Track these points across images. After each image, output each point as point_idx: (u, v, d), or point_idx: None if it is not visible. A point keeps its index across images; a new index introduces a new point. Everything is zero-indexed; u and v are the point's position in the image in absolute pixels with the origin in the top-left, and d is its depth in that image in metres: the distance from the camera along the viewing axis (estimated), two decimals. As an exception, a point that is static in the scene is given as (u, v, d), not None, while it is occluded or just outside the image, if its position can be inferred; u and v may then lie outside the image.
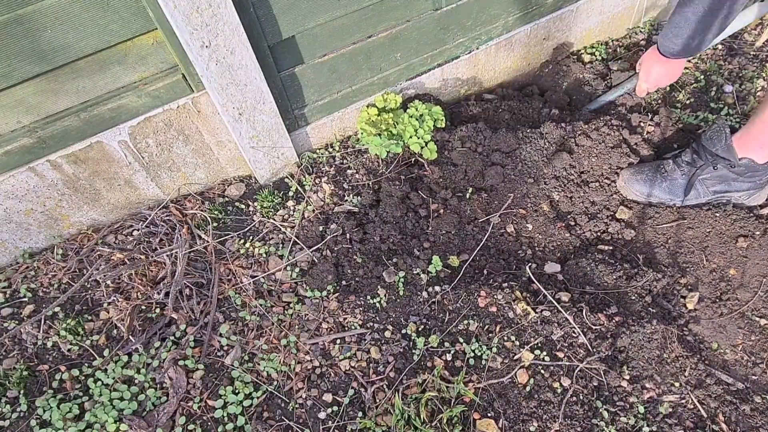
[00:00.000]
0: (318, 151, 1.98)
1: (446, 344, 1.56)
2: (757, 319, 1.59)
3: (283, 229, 1.79)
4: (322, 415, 1.45)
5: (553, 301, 1.58)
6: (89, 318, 1.63)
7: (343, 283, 1.68)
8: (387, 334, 1.58)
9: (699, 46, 1.50)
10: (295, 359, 1.54)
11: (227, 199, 1.90)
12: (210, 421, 1.45)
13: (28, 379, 1.52)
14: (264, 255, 1.74)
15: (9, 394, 1.48)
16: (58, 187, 1.63)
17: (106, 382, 1.49)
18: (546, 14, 2.08)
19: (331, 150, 1.98)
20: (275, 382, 1.51)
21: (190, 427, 1.43)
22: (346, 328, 1.60)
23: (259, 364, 1.54)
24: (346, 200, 1.84)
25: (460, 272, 1.72)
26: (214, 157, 1.84)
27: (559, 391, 1.46)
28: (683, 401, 1.45)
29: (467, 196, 1.86)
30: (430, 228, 1.81)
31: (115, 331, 1.61)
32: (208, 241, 1.76)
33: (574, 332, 1.54)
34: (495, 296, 1.61)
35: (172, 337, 1.58)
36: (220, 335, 1.59)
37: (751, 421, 1.42)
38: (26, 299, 1.67)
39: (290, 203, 1.86)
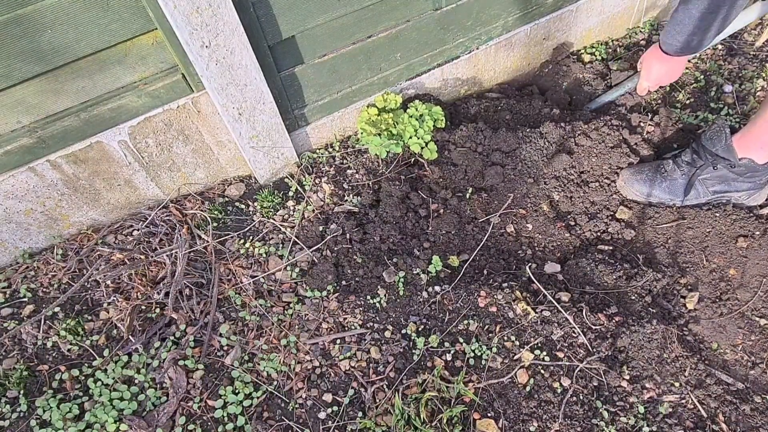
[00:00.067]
0: (318, 151, 1.98)
1: (446, 344, 1.56)
2: (757, 319, 1.59)
3: (283, 229, 1.79)
4: (322, 415, 1.45)
5: (553, 301, 1.58)
6: (89, 318, 1.63)
7: (343, 283, 1.68)
8: (387, 334, 1.58)
9: (700, 44, 1.49)
10: (295, 359, 1.54)
11: (227, 199, 1.90)
12: (210, 421, 1.45)
13: (28, 379, 1.52)
14: (264, 255, 1.74)
15: (9, 394, 1.48)
16: (58, 187, 1.63)
17: (106, 382, 1.49)
18: (546, 14, 2.08)
19: (331, 150, 1.98)
20: (275, 382, 1.51)
21: (190, 427, 1.43)
22: (346, 328, 1.60)
23: (259, 364, 1.54)
24: (346, 200, 1.84)
25: (460, 272, 1.72)
26: (214, 157, 1.84)
27: (559, 391, 1.46)
28: (683, 401, 1.45)
29: (467, 196, 1.86)
30: (430, 228, 1.81)
31: (115, 331, 1.61)
32: (208, 241, 1.76)
33: (574, 332, 1.54)
34: (495, 296, 1.61)
35: (172, 337, 1.58)
36: (220, 335, 1.59)
37: (751, 421, 1.42)
38: (26, 299, 1.67)
39: (290, 203, 1.86)
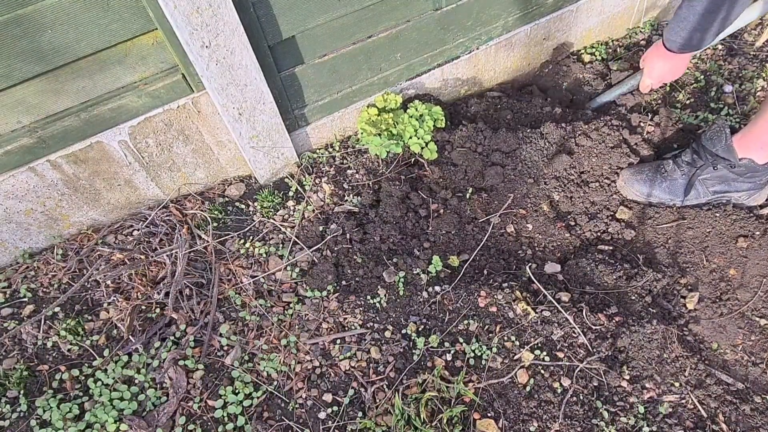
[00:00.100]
0: (318, 151, 1.98)
1: (446, 344, 1.56)
2: (757, 319, 1.59)
3: (283, 229, 1.79)
4: (322, 415, 1.45)
5: (553, 301, 1.58)
6: (89, 318, 1.63)
7: (343, 283, 1.68)
8: (387, 334, 1.58)
9: (702, 41, 1.48)
10: (295, 359, 1.54)
11: (227, 199, 1.90)
12: (210, 421, 1.45)
13: (28, 379, 1.52)
14: (264, 255, 1.74)
15: (9, 394, 1.48)
16: (58, 187, 1.63)
17: (106, 382, 1.49)
18: (546, 14, 2.08)
19: (331, 150, 1.98)
20: (275, 382, 1.51)
21: (190, 427, 1.43)
22: (346, 328, 1.60)
23: (259, 364, 1.54)
24: (346, 200, 1.84)
25: (460, 272, 1.72)
26: (214, 157, 1.84)
27: (559, 391, 1.46)
28: (683, 401, 1.45)
29: (467, 196, 1.86)
30: (430, 228, 1.81)
31: (115, 331, 1.61)
32: (208, 241, 1.76)
33: (574, 332, 1.54)
34: (495, 296, 1.61)
35: (172, 337, 1.58)
36: (220, 335, 1.59)
37: (751, 421, 1.42)
38: (26, 299, 1.67)
39: (290, 203, 1.86)
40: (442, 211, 1.84)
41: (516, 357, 1.52)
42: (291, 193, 1.89)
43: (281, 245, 1.76)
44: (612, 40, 2.38)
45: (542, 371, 1.50)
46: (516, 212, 1.87)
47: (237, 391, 1.49)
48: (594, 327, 1.55)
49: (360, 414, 1.45)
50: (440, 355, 1.54)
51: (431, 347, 1.55)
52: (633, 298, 1.64)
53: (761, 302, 1.62)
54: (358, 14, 1.68)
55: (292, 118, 1.84)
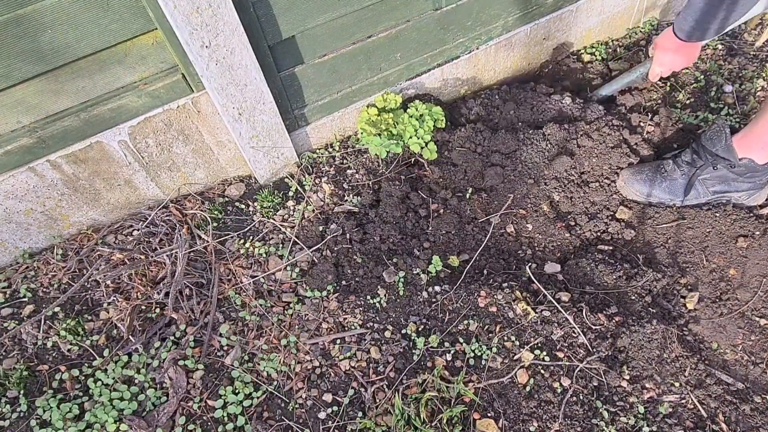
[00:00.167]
0: (318, 151, 1.98)
1: (446, 344, 1.56)
2: (757, 319, 1.59)
3: (283, 229, 1.79)
4: (322, 415, 1.45)
5: (553, 301, 1.58)
6: (89, 318, 1.63)
7: (343, 283, 1.68)
8: (387, 334, 1.58)
9: (706, 31, 1.43)
10: (295, 359, 1.54)
11: (227, 199, 1.90)
12: (210, 421, 1.45)
13: (28, 379, 1.52)
14: (264, 255, 1.74)
15: (9, 394, 1.48)
16: (58, 187, 1.63)
17: (106, 382, 1.49)
18: (546, 14, 2.08)
19: (331, 150, 1.98)
20: (275, 382, 1.51)
21: (190, 427, 1.43)
22: (346, 328, 1.60)
23: (259, 364, 1.54)
24: (346, 200, 1.84)
25: (461, 272, 1.72)
26: (214, 157, 1.84)
27: (559, 391, 1.46)
28: (683, 401, 1.45)
29: (467, 196, 1.86)
30: (430, 228, 1.81)
31: (115, 331, 1.61)
32: (208, 241, 1.76)
33: (574, 332, 1.54)
34: (495, 296, 1.61)
35: (172, 337, 1.58)
36: (220, 335, 1.59)
37: (751, 421, 1.42)
38: (26, 299, 1.67)
39: (290, 203, 1.86)
40: (442, 211, 1.84)
41: (516, 357, 1.52)
42: (291, 193, 1.89)
43: (281, 245, 1.76)
44: (612, 40, 2.38)
45: (542, 371, 1.50)
46: (516, 212, 1.87)
47: (237, 391, 1.49)
48: (594, 327, 1.55)
49: (360, 414, 1.45)
50: (440, 355, 1.54)
51: (431, 347, 1.55)
52: (633, 298, 1.64)
53: (761, 302, 1.62)
54: (357, 14, 1.68)
55: (292, 118, 1.84)
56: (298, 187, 1.88)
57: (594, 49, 2.31)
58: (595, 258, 1.71)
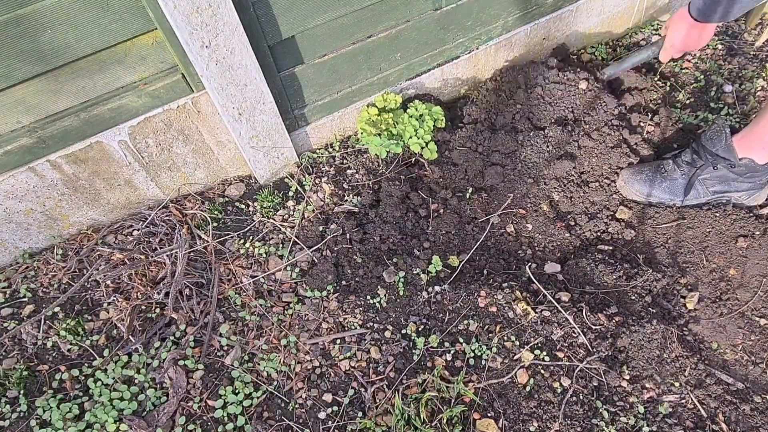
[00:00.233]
0: (318, 151, 1.98)
1: (446, 344, 1.56)
2: (757, 319, 1.59)
3: (283, 229, 1.79)
4: (322, 415, 1.45)
5: (553, 301, 1.58)
6: (89, 318, 1.63)
7: (343, 283, 1.68)
8: (387, 334, 1.58)
9: (713, 13, 1.42)
10: (295, 359, 1.54)
11: (227, 199, 1.90)
12: (210, 421, 1.45)
13: (28, 379, 1.52)
14: (264, 255, 1.74)
15: (9, 394, 1.49)
16: (57, 187, 1.63)
17: (106, 382, 1.49)
18: (546, 14, 2.08)
19: (331, 150, 1.98)
20: (275, 382, 1.52)
21: (190, 427, 1.44)
22: (346, 328, 1.60)
23: (259, 364, 1.54)
24: (346, 200, 1.84)
25: (461, 272, 1.72)
26: (213, 157, 1.84)
27: (559, 391, 1.46)
28: (683, 401, 1.45)
29: (467, 196, 1.86)
30: (430, 228, 1.81)
31: (115, 331, 1.61)
32: (208, 241, 1.76)
33: (574, 332, 1.54)
34: (495, 296, 1.61)
35: (172, 337, 1.58)
36: (220, 335, 1.59)
37: (751, 421, 1.42)
38: (26, 299, 1.67)
39: (290, 203, 1.86)
40: (442, 211, 1.84)
41: (516, 357, 1.52)
42: (291, 193, 1.89)
43: (281, 245, 1.76)
44: (612, 40, 2.38)
45: (542, 371, 1.50)
46: (516, 212, 1.87)
47: (237, 391, 1.49)
48: (594, 327, 1.55)
49: (360, 414, 1.45)
50: (440, 355, 1.54)
51: (431, 347, 1.55)
52: (633, 298, 1.64)
53: (761, 302, 1.62)
54: (357, 14, 1.68)
55: (291, 118, 1.84)
56: (298, 187, 1.88)
57: (594, 49, 2.31)
58: (595, 258, 1.71)
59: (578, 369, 1.49)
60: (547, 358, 1.50)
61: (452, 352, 1.54)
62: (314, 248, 1.72)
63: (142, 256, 1.71)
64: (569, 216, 1.86)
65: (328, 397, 1.48)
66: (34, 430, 1.43)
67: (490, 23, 1.97)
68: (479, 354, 1.53)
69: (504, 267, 1.76)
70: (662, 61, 1.76)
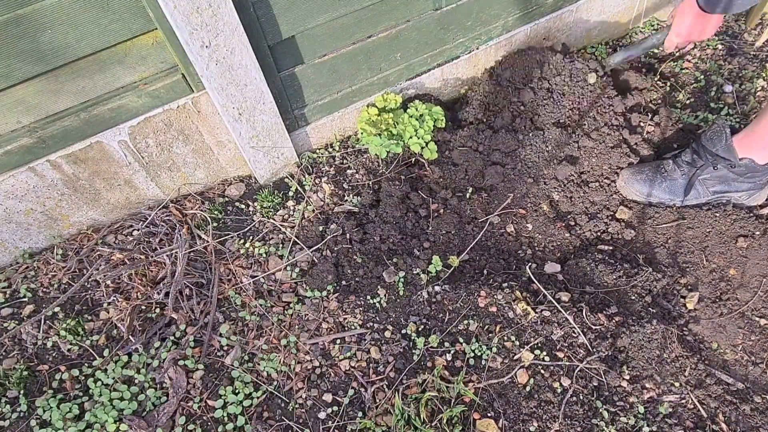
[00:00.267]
0: (318, 151, 1.98)
1: (446, 344, 1.56)
2: (757, 319, 1.59)
3: (283, 229, 1.79)
4: (322, 415, 1.45)
5: (553, 301, 1.58)
6: (89, 318, 1.63)
7: (343, 283, 1.68)
8: (387, 334, 1.58)
9: (717, 3, 1.44)
10: (295, 359, 1.54)
11: (227, 199, 1.90)
12: (210, 421, 1.45)
13: (28, 379, 1.52)
14: (264, 255, 1.74)
15: (9, 394, 1.49)
16: (57, 187, 1.63)
17: (106, 382, 1.49)
18: (546, 14, 2.08)
19: (331, 150, 1.98)
20: (275, 382, 1.52)
21: (190, 427, 1.44)
22: (346, 328, 1.60)
23: (259, 364, 1.54)
24: (346, 200, 1.84)
25: (461, 272, 1.72)
26: (214, 157, 1.84)
27: (559, 391, 1.46)
28: (683, 401, 1.45)
29: (467, 195, 1.86)
30: (430, 228, 1.81)
31: (115, 331, 1.61)
32: (208, 241, 1.76)
33: (574, 332, 1.54)
34: (495, 296, 1.61)
35: (172, 337, 1.58)
36: (220, 335, 1.59)
37: (751, 421, 1.42)
38: (26, 299, 1.67)
39: (290, 203, 1.86)
40: (442, 211, 1.84)
41: (516, 357, 1.52)
42: (291, 193, 1.89)
43: (281, 245, 1.76)
44: (612, 40, 2.38)
45: (542, 371, 1.50)
46: (516, 212, 1.87)
47: (237, 391, 1.49)
48: (594, 327, 1.55)
49: (360, 414, 1.45)
50: (440, 355, 1.54)
51: (431, 347, 1.55)
52: (633, 298, 1.64)
53: (761, 302, 1.62)
54: (357, 14, 1.68)
55: (292, 118, 1.84)
56: (298, 187, 1.88)
57: (594, 49, 2.31)
58: (595, 258, 1.71)
59: (578, 369, 1.49)
60: (547, 358, 1.50)
61: (452, 352, 1.54)
62: (314, 248, 1.72)
63: (142, 256, 1.71)
64: (569, 216, 1.86)
65: (328, 397, 1.48)
66: (34, 430, 1.43)
67: (490, 23, 1.97)
68: (479, 354, 1.53)
69: (504, 267, 1.76)
70: (667, 50, 1.76)
